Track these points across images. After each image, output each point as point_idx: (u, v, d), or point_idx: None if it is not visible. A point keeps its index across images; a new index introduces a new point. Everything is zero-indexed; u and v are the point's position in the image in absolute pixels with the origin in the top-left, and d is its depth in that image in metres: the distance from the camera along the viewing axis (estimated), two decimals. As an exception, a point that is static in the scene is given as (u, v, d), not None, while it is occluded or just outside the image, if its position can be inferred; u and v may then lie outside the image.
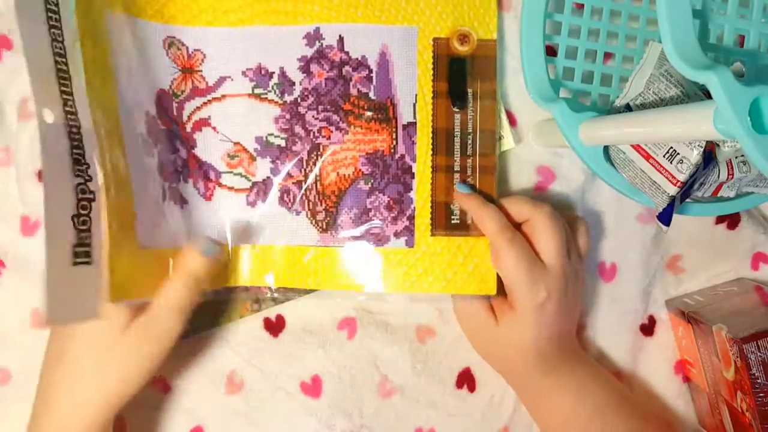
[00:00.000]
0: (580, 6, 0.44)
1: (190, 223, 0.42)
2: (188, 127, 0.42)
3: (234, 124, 0.43)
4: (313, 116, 0.43)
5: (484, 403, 0.48)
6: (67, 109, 0.32)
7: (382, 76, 0.43)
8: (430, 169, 0.43)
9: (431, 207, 0.43)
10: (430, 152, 0.43)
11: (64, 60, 0.32)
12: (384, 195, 0.43)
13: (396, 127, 0.43)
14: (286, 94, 0.43)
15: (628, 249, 0.49)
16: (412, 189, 0.43)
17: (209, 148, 0.43)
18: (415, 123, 0.43)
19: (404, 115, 0.43)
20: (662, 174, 0.37)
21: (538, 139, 0.46)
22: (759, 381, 0.41)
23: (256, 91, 0.43)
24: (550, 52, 0.44)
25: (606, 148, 0.40)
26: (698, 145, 0.36)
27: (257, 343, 0.46)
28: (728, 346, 0.42)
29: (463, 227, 0.43)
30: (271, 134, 0.43)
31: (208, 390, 0.46)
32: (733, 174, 0.39)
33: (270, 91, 0.43)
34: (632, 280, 0.49)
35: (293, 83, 0.43)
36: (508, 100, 0.46)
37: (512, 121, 0.47)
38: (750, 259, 0.50)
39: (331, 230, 0.43)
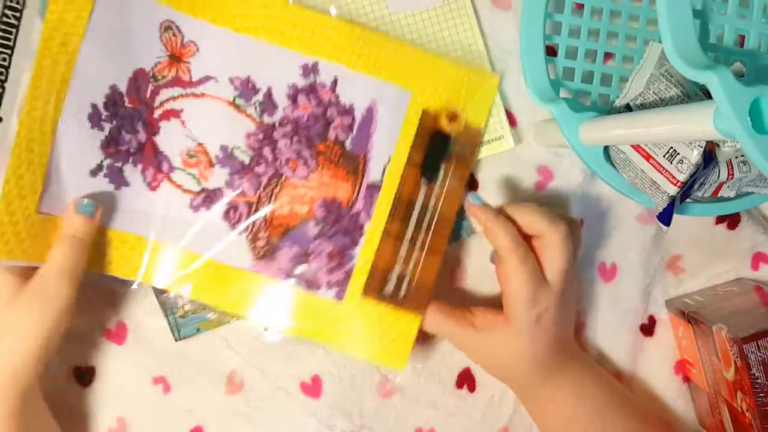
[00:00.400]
0: (580, 6, 0.44)
1: (120, 205, 0.41)
2: (156, 113, 0.41)
3: (204, 125, 0.42)
4: (285, 144, 0.42)
5: (484, 403, 0.48)
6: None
7: (363, 129, 0.43)
8: (381, 233, 0.43)
9: (371, 269, 0.43)
10: (387, 217, 0.43)
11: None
12: (329, 243, 0.43)
13: (361, 183, 0.43)
14: (266, 114, 0.42)
15: (628, 249, 0.49)
16: (357, 246, 0.43)
17: (171, 140, 0.42)
18: (381, 184, 0.43)
19: (372, 173, 0.43)
20: (662, 174, 0.37)
21: (538, 139, 0.46)
22: (759, 381, 0.41)
23: (238, 101, 0.42)
24: (550, 52, 0.44)
25: (606, 148, 0.40)
26: (698, 145, 0.36)
27: (257, 343, 0.46)
28: (728, 346, 0.42)
29: (395, 298, 0.43)
30: (239, 148, 0.42)
31: (208, 390, 0.46)
32: (733, 174, 0.39)
33: (251, 106, 0.42)
34: (632, 280, 0.49)
35: (276, 107, 0.42)
36: (508, 100, 0.46)
37: (512, 121, 0.47)
38: (750, 259, 0.50)
39: (267, 260, 0.42)
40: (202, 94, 0.42)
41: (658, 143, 0.37)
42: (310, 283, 0.42)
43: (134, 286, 0.42)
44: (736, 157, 0.39)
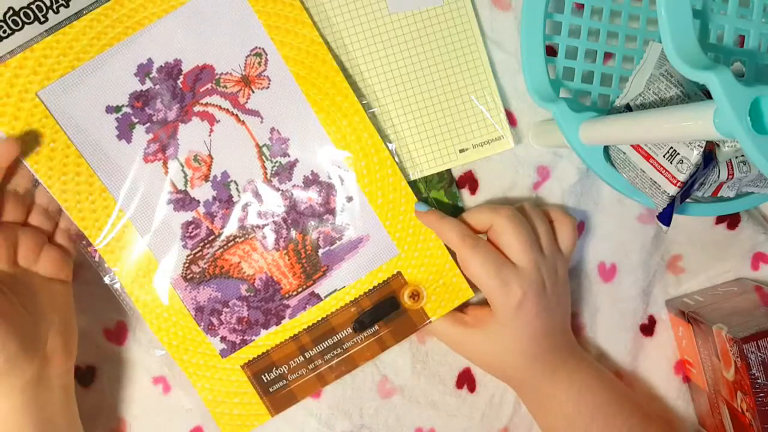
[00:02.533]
0: (580, 6, 0.44)
1: (110, 153, 0.41)
2: (197, 108, 0.42)
3: (225, 146, 0.42)
4: (274, 212, 0.43)
5: (484, 403, 0.48)
6: None
7: (341, 251, 0.44)
8: (291, 335, 0.44)
9: (264, 353, 0.44)
10: (306, 327, 0.44)
11: None
12: (247, 311, 0.43)
13: (307, 287, 0.44)
14: (277, 178, 0.43)
15: (628, 249, 0.49)
16: (267, 330, 0.44)
17: (191, 136, 0.42)
18: (321, 301, 0.44)
19: (322, 287, 0.44)
20: (662, 174, 0.37)
21: (538, 139, 0.46)
22: (759, 381, 0.41)
23: (265, 150, 0.43)
24: (550, 52, 0.44)
25: (606, 148, 0.40)
26: (698, 145, 0.36)
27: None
28: (728, 346, 0.42)
29: (264, 388, 0.44)
30: (237, 185, 0.43)
31: (208, 390, 0.46)
32: (733, 174, 0.39)
33: (271, 162, 0.43)
34: (632, 280, 0.49)
35: (290, 179, 0.43)
36: (508, 100, 0.46)
37: (512, 121, 0.47)
38: (750, 259, 0.50)
39: (190, 285, 0.43)
40: (243, 123, 0.43)
41: (658, 143, 0.37)
42: (210, 327, 0.43)
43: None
44: (736, 157, 0.39)
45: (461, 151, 0.46)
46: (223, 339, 0.43)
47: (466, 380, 0.48)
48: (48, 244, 0.40)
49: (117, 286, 0.42)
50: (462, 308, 0.45)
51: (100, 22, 0.40)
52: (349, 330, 0.44)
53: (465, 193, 0.47)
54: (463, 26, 0.45)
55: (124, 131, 0.41)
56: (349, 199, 0.43)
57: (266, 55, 0.42)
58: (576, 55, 0.44)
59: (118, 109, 0.41)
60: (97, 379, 0.45)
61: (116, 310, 0.44)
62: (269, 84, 0.42)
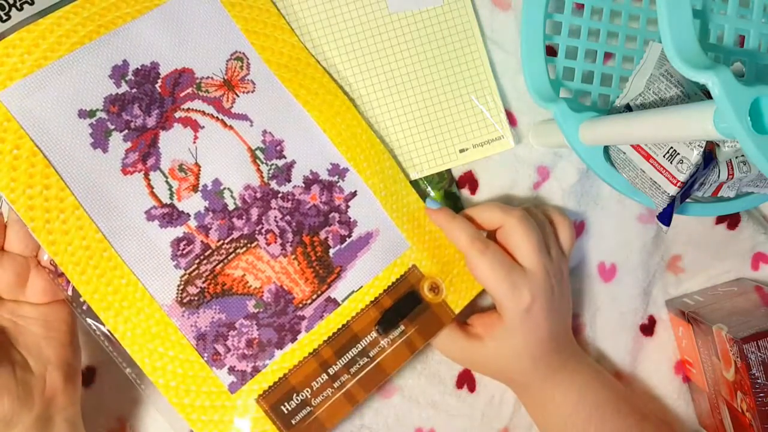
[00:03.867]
0: (580, 6, 0.44)
1: (81, 163, 0.37)
2: (178, 114, 0.39)
3: (213, 152, 0.39)
4: (276, 216, 0.40)
5: (484, 403, 0.48)
6: None
7: (353, 248, 0.41)
8: (311, 351, 0.39)
9: (281, 379, 0.39)
10: (326, 338, 0.40)
11: None
12: (257, 330, 0.39)
13: (322, 293, 0.40)
14: (275, 180, 0.40)
15: (628, 249, 0.49)
16: (282, 350, 0.39)
17: (173, 144, 0.39)
18: (340, 305, 0.40)
19: (338, 291, 0.40)
20: (662, 174, 0.37)
21: (538, 139, 0.46)
22: (759, 381, 0.41)
23: (258, 153, 0.40)
24: (550, 52, 0.44)
25: (606, 148, 0.40)
26: (698, 145, 0.36)
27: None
28: (728, 346, 0.42)
29: (284, 421, 0.38)
30: (231, 192, 0.40)
31: (208, 390, 0.46)
32: (733, 174, 0.39)
33: (266, 165, 0.40)
34: (632, 280, 0.49)
35: (289, 180, 0.41)
36: (508, 100, 0.46)
37: (512, 121, 0.47)
38: (750, 259, 0.50)
39: (188, 310, 0.38)
40: (231, 127, 0.40)
41: (658, 143, 0.37)
42: (215, 357, 0.38)
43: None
44: (736, 157, 0.39)
45: (461, 151, 0.46)
46: (231, 370, 0.38)
47: (466, 380, 0.48)
48: (35, 267, 0.36)
49: (95, 324, 0.37)
50: (465, 319, 0.44)
51: (69, 20, 0.37)
52: (374, 334, 0.40)
53: (465, 193, 0.47)
54: (463, 26, 0.45)
55: (100, 139, 0.37)
56: (353, 194, 0.42)
57: (247, 59, 0.41)
58: (576, 55, 0.44)
59: (92, 113, 0.37)
60: (97, 379, 0.45)
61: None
62: (254, 88, 0.41)
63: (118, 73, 0.38)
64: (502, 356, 0.42)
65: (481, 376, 0.47)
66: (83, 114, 0.37)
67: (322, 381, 0.39)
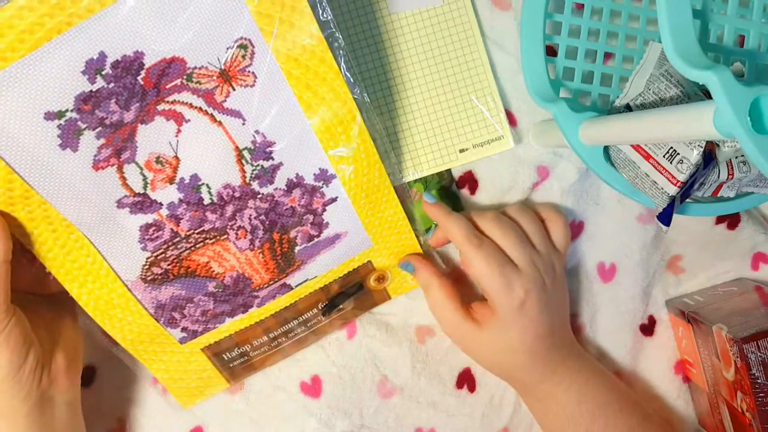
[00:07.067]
0: (580, 6, 0.44)
1: (48, 163, 0.34)
2: (161, 106, 0.36)
3: (196, 147, 0.37)
4: (250, 215, 0.39)
5: (484, 403, 0.48)
6: None
7: (318, 246, 0.42)
8: (257, 321, 0.44)
9: (226, 337, 0.43)
10: (272, 313, 0.44)
11: None
12: (212, 304, 0.41)
13: (280, 280, 0.42)
14: (257, 181, 0.39)
15: (628, 249, 0.49)
16: (233, 318, 0.42)
17: (153, 137, 0.36)
18: (292, 289, 0.43)
19: (294, 279, 0.43)
20: (662, 174, 0.37)
21: (538, 139, 0.46)
22: (759, 381, 0.41)
23: (245, 153, 0.38)
24: (550, 52, 0.44)
25: (606, 148, 0.40)
26: (698, 145, 0.36)
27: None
28: (728, 346, 0.42)
29: (224, 363, 0.44)
30: (208, 188, 0.38)
31: (208, 390, 0.46)
32: (733, 174, 0.39)
33: (251, 166, 0.38)
34: (632, 280, 0.49)
35: (272, 182, 0.39)
36: (508, 100, 0.46)
37: (512, 121, 0.47)
38: (750, 259, 0.50)
39: (150, 286, 0.39)
40: (220, 123, 0.37)
41: (658, 143, 0.37)
42: (170, 321, 0.41)
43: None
44: (736, 157, 0.39)
45: (461, 151, 0.46)
46: (183, 329, 0.42)
47: (466, 380, 0.48)
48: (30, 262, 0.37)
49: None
50: (469, 304, 0.44)
51: (33, 10, 0.31)
52: (315, 311, 0.44)
53: (465, 193, 0.47)
54: (463, 26, 0.45)
55: (69, 139, 0.34)
56: (333, 200, 0.41)
57: (253, 47, 0.35)
58: (576, 55, 0.44)
59: (60, 114, 0.33)
60: (97, 379, 0.45)
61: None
62: (254, 81, 0.36)
63: (93, 68, 0.33)
64: (497, 350, 0.42)
65: (481, 377, 0.48)
66: (51, 116, 0.33)
67: (262, 341, 0.44)
